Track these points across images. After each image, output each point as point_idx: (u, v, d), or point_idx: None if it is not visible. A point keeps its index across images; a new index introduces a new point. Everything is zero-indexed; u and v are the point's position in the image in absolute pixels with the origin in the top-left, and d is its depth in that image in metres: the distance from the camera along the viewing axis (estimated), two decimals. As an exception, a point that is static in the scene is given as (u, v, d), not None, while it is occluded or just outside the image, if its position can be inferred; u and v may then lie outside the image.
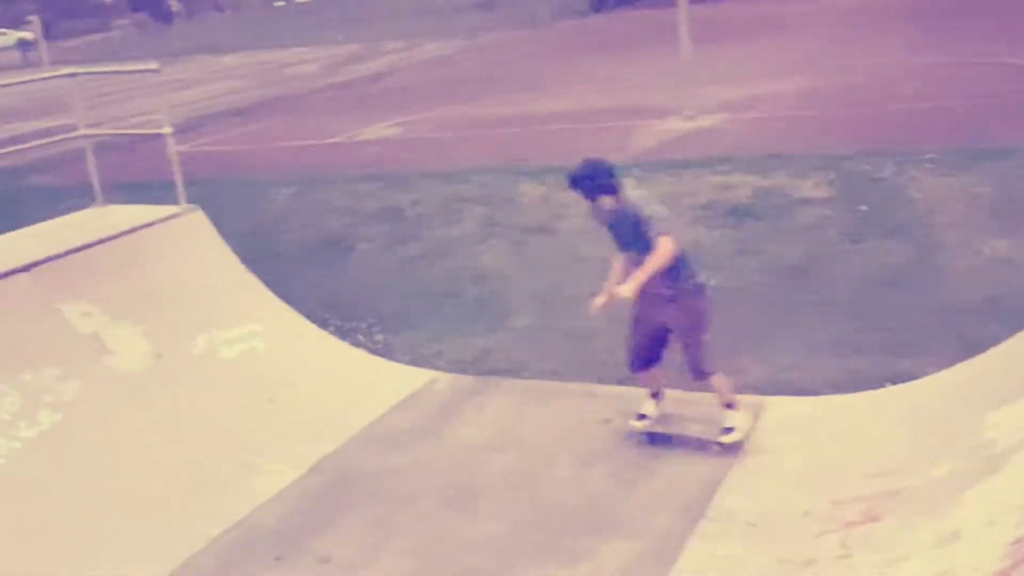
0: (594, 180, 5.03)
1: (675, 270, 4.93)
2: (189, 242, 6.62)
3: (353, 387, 6.20)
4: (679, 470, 5.04)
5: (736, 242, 8.42)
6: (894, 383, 5.58)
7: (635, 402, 5.84)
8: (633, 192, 5.14)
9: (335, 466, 5.43)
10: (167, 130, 6.72)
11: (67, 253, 6.06)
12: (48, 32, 43.07)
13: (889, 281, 7.18)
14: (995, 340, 5.25)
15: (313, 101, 21.28)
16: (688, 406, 5.50)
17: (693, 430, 5.29)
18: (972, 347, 5.43)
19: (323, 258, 9.17)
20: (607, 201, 5.02)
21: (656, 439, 5.32)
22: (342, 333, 7.10)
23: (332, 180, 12.14)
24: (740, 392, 5.76)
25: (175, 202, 6.78)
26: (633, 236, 4.97)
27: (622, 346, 6.63)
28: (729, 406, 5.19)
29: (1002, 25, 19.11)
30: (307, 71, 27.66)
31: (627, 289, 4.81)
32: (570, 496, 4.93)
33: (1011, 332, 5.16)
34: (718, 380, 5.19)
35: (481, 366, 6.58)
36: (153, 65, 7.25)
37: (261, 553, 4.71)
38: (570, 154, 12.20)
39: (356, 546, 4.70)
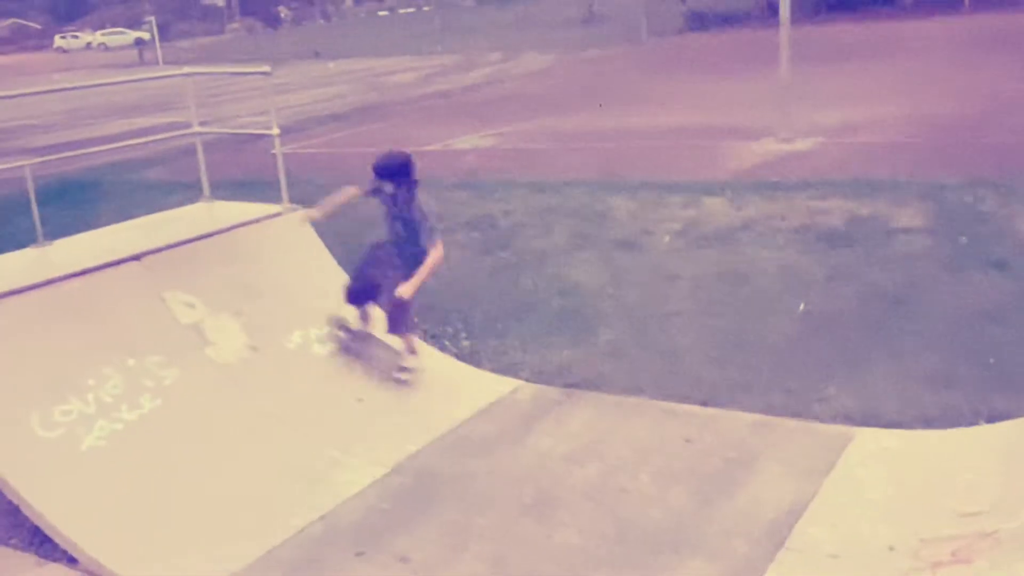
0: (407, 172, 6.11)
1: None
2: (289, 240, 6.84)
3: (438, 391, 6.31)
4: (761, 495, 4.98)
5: (829, 268, 8.28)
6: (989, 421, 5.41)
7: (718, 423, 5.81)
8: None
9: (418, 467, 5.53)
10: (275, 131, 6.97)
11: (174, 245, 6.33)
12: (163, 33, 44.86)
13: (987, 316, 6.96)
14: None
15: (411, 109, 21.69)
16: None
17: (378, 357, 6.33)
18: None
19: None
20: (401, 192, 6.06)
21: (347, 351, 6.32)
22: (430, 337, 7.22)
23: (427, 186, 12.26)
24: (826, 420, 5.71)
25: (278, 200, 7.02)
26: (409, 232, 6.03)
27: (707, 366, 6.64)
28: (411, 351, 6.28)
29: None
30: (407, 79, 28.19)
31: (407, 291, 5.91)
32: (649, 512, 4.91)
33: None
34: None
35: (565, 378, 6.62)
36: (265, 68, 7.52)
37: (343, 547, 4.82)
38: (664, 171, 12.32)
39: (434, 547, 4.78)
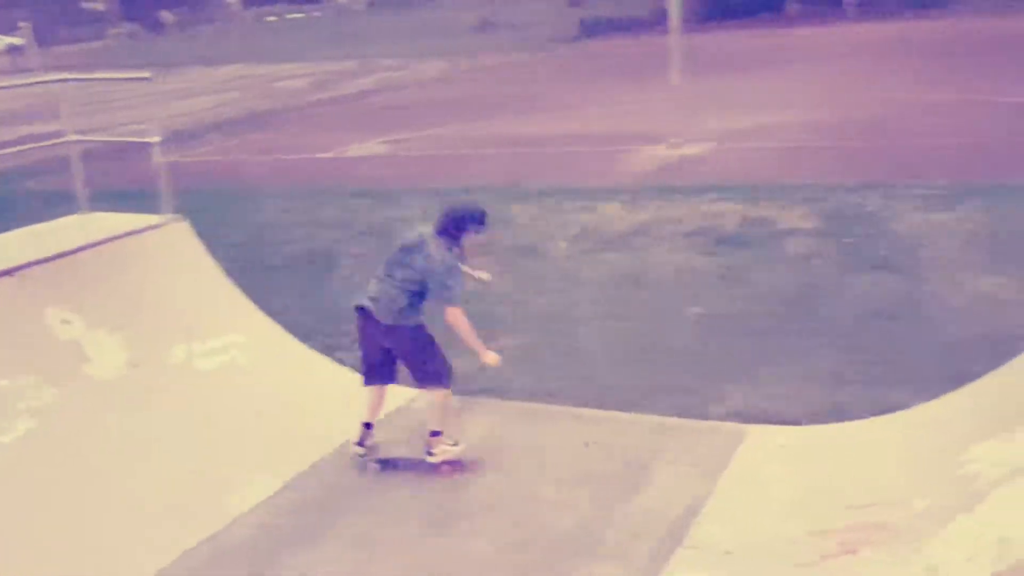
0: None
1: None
2: (172, 252, 6.55)
3: (334, 403, 6.13)
4: (660, 495, 5.00)
5: (723, 270, 8.43)
6: (878, 415, 5.56)
7: (619, 426, 5.81)
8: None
9: (314, 482, 5.37)
10: (154, 139, 6.68)
11: (49, 259, 5.98)
12: (40, 39, 43.00)
13: (874, 313, 7.19)
14: (979, 373, 5.24)
15: (304, 116, 21.30)
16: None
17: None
18: (957, 380, 5.42)
19: (310, 272, 9.13)
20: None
21: (387, 464, 5.52)
22: (326, 348, 7.03)
23: (322, 194, 12.13)
24: (723, 419, 5.77)
25: (160, 211, 6.73)
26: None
27: (608, 369, 6.65)
28: (434, 435, 5.45)
29: (1003, 62, 19.32)
30: (299, 86, 27.69)
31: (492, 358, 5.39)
32: (553, 518, 4.88)
33: (995, 365, 5.15)
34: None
35: (466, 386, 6.52)
36: (145, 74, 7.22)
37: (234, 568, 4.63)
38: (562, 177, 12.38)
39: (336, 564, 4.63)
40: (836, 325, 7.05)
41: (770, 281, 8.06)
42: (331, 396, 6.20)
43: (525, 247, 9.48)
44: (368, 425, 5.54)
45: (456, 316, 5.24)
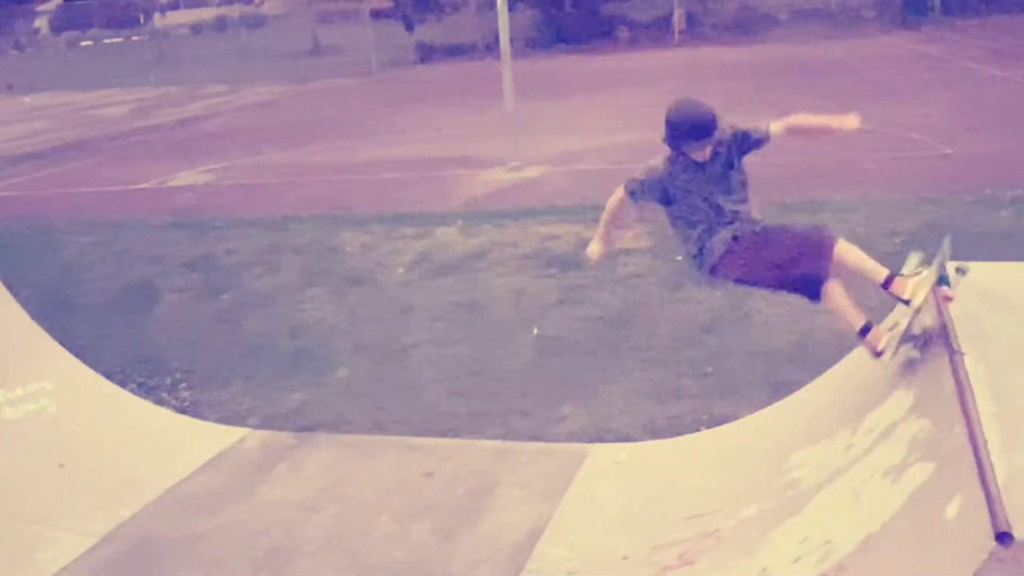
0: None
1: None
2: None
3: (153, 448, 5.76)
4: (503, 520, 4.93)
5: (560, 291, 8.50)
6: (710, 427, 5.70)
7: (459, 453, 5.71)
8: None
9: (132, 533, 4.99)
10: (-55, 170, 6.13)
11: None
12: None
13: (704, 328, 7.39)
14: (801, 382, 5.46)
15: (122, 145, 20.26)
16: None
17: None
18: (781, 389, 5.63)
19: (126, 311, 8.58)
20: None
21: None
22: (144, 391, 6.62)
23: (139, 228, 11.50)
24: (564, 440, 5.77)
25: (-47, 249, 6.18)
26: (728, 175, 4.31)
27: (446, 396, 6.54)
28: (864, 331, 4.29)
29: (805, 85, 20.58)
30: (115, 113, 26.37)
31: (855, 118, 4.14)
32: (392, 553, 4.71)
33: (816, 375, 5.37)
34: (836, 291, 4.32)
35: (299, 422, 6.27)
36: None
37: (43, 636, 4.22)
38: (395, 203, 12.22)
39: (154, 623, 4.30)
40: (669, 341, 7.21)
41: (606, 301, 8.18)
42: (149, 441, 5.83)
43: (356, 275, 9.27)
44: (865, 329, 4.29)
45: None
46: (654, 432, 5.78)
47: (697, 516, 4.71)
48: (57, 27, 61.54)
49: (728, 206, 4.35)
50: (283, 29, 48.68)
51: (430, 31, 39.33)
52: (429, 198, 12.67)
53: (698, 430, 5.71)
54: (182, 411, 6.37)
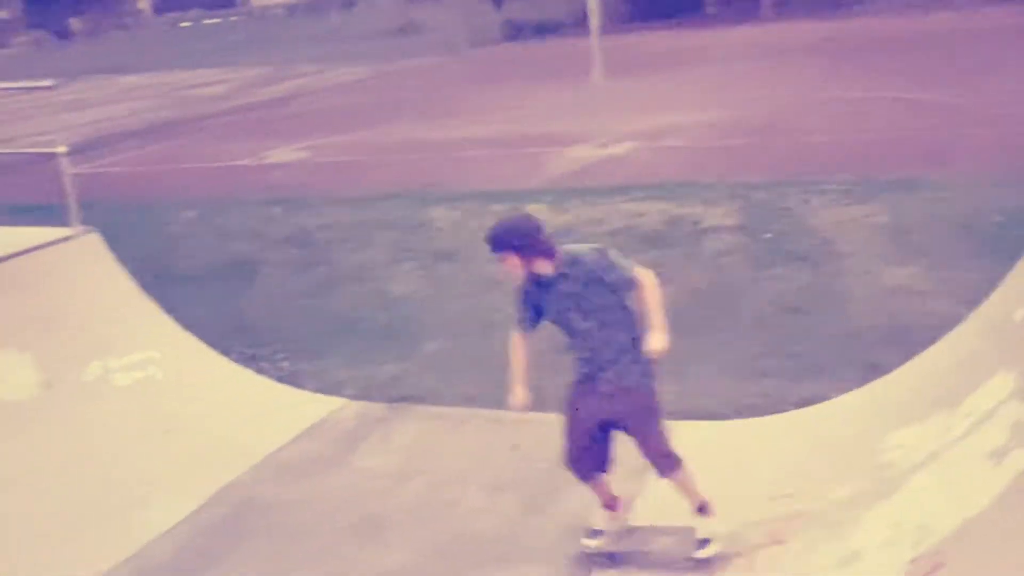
0: (526, 239, 4.10)
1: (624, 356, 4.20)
2: (83, 265, 6.34)
3: (255, 415, 6.01)
4: (587, 494, 4.98)
5: (648, 268, 8.47)
6: (799, 407, 5.66)
7: (544, 428, 5.79)
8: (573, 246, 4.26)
9: (234, 497, 5.24)
10: (61, 149, 6.46)
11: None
12: (-59, 48, 41.41)
13: (793, 308, 7.31)
14: (894, 364, 5.37)
15: (218, 123, 20.86)
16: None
17: (662, 545, 4.52)
18: (873, 371, 5.55)
19: (227, 283, 8.91)
20: (544, 265, 4.16)
21: (618, 559, 4.44)
22: (246, 360, 6.88)
23: (237, 203, 11.87)
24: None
25: (69, 224, 6.50)
26: (600, 300, 4.15)
27: (531, 371, 6.61)
28: (701, 510, 4.37)
29: (898, 61, 19.95)
30: (213, 93, 27.13)
31: (658, 341, 4.08)
32: (479, 524, 4.84)
33: (909, 356, 5.28)
34: (683, 476, 4.37)
35: (390, 393, 6.45)
36: (47, 82, 6.99)
37: (154, 589, 4.49)
38: (484, 180, 12.32)
39: (255, 580, 4.52)
40: (757, 320, 7.16)
41: (693, 279, 8.14)
42: (250, 408, 6.08)
43: (445, 252, 9.42)
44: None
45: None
46: (740, 411, 5.76)
47: (785, 496, 4.70)
48: (159, 8, 63.41)
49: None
50: (374, 9, 49.13)
51: (518, 9, 39.22)
52: (517, 175, 12.74)
53: (785, 410, 5.68)
54: (282, 380, 6.61)
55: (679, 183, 11.24)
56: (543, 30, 36.08)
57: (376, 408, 6.23)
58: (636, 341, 4.21)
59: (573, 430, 4.39)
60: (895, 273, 7.77)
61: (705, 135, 14.49)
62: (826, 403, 5.56)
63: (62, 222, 6.61)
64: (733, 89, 18.31)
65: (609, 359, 4.22)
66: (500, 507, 4.97)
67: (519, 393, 4.42)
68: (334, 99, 23.56)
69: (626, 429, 4.34)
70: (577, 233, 9.65)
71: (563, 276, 4.17)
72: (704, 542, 4.30)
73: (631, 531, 4.57)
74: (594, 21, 16.82)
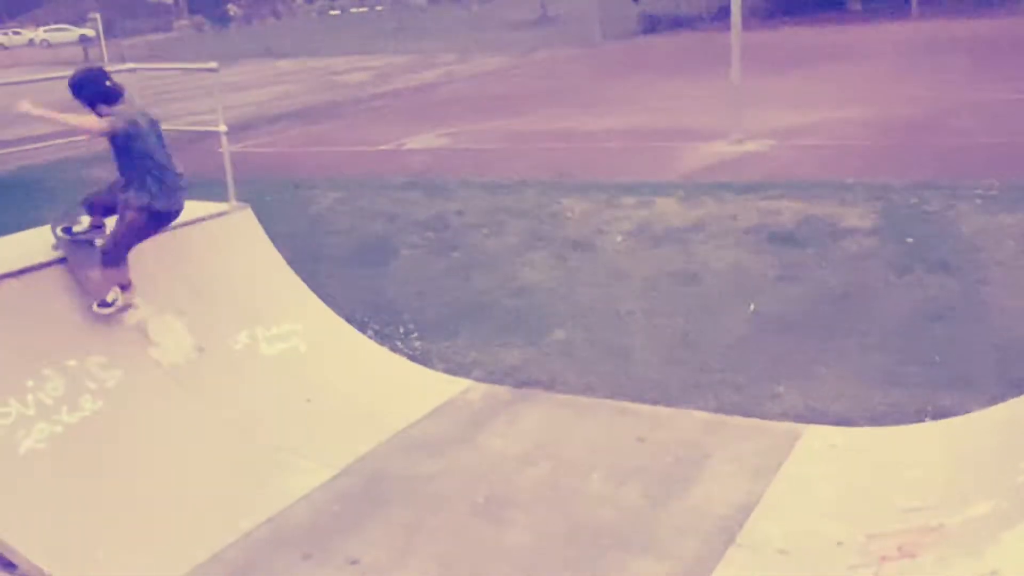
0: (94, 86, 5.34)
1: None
2: (236, 239, 6.72)
3: (388, 391, 6.24)
4: (712, 492, 5.00)
5: (779, 268, 8.35)
6: (935, 418, 5.49)
7: (670, 421, 5.82)
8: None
9: (367, 468, 5.46)
10: (222, 128, 6.85)
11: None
12: (109, 30, 44.07)
13: (934, 315, 7.07)
14: (1041, 380, 5.16)
15: (364, 108, 21.52)
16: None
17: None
18: (1016, 386, 5.33)
19: (366, 263, 9.25)
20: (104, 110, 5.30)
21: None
22: (381, 337, 7.15)
23: (379, 186, 12.26)
24: (775, 418, 5.73)
25: (226, 199, 6.90)
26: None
27: (659, 365, 6.65)
28: (102, 305, 5.66)
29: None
30: (359, 79, 27.98)
31: (28, 106, 5.18)
32: (601, 512, 4.90)
33: (1058, 372, 5.06)
34: (105, 274, 5.63)
35: (517, 377, 6.59)
36: (212, 64, 7.38)
37: (290, 550, 4.74)
38: (616, 172, 12.34)
39: (384, 549, 4.72)
40: (893, 326, 6.96)
41: (827, 280, 7.97)
42: (385, 385, 6.31)
43: (577, 241, 9.49)
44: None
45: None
46: (872, 419, 5.63)
47: (918, 509, 4.58)
48: (310, -3, 65.62)
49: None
50: (513, 1, 49.56)
51: (657, 2, 38.85)
52: (650, 168, 12.68)
53: (920, 420, 5.52)
54: (414, 359, 6.84)
55: (816, 182, 10.97)
56: (680, 23, 35.64)
57: (502, 391, 6.37)
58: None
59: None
60: (1047, 285, 7.41)
61: (845, 134, 14.05)
62: (967, 416, 5.37)
63: (215, 196, 7.02)
64: (875, 87, 17.67)
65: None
66: (623, 497, 5.02)
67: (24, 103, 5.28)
68: (473, 88, 23.94)
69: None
70: (708, 229, 9.58)
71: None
72: (105, 304, 5.66)
73: (90, 249, 5.76)
74: (735, 15, 16.50)
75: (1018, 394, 5.25)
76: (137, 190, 5.49)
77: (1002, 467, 4.56)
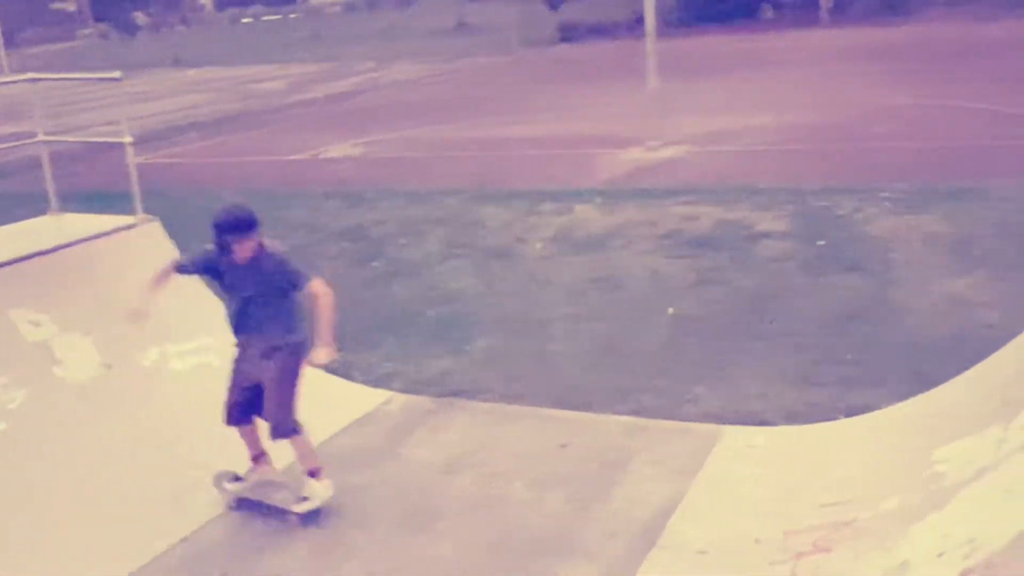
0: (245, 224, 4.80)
1: (289, 322, 4.93)
2: (144, 253, 6.47)
3: (306, 405, 6.06)
4: (635, 496, 5.02)
5: (697, 272, 8.48)
6: (849, 415, 5.62)
7: (593, 427, 5.83)
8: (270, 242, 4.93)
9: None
10: (127, 139, 6.63)
11: (18, 260, 5.91)
12: (8, 39, 42.54)
13: (847, 316, 7.25)
14: (949, 376, 5.31)
15: (278, 118, 21.21)
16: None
17: (277, 498, 5.07)
18: (926, 382, 5.49)
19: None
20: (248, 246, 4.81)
21: (243, 505, 5.11)
22: (299, 350, 6.99)
23: (294, 197, 12.08)
24: (696, 420, 5.80)
25: (132, 212, 6.67)
26: (267, 287, 4.85)
27: (581, 371, 6.67)
28: (312, 474, 5.04)
29: (956, 68, 19.62)
30: (273, 88, 27.57)
31: (327, 354, 4.79)
32: (527, 519, 4.88)
33: (964, 368, 5.21)
34: (300, 442, 5.04)
35: (440, 388, 6.53)
36: (115, 74, 7.14)
37: (206, 570, 4.60)
38: (536, 179, 12.40)
39: (305, 566, 4.61)
40: (809, 326, 7.12)
41: (743, 283, 8.11)
42: (303, 398, 6.15)
43: (497, 249, 9.49)
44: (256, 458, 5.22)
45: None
46: (789, 417, 5.74)
47: (833, 504, 4.66)
48: (220, 4, 64.52)
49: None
50: (430, 8, 49.56)
51: (574, 10, 39.28)
52: (570, 175, 12.78)
53: (836, 418, 5.64)
54: (333, 371, 6.71)
55: (732, 187, 11.20)
56: (598, 31, 36.07)
57: (424, 402, 6.30)
58: (288, 319, 4.96)
59: (232, 385, 5.08)
60: (952, 283, 7.67)
61: (759, 140, 14.39)
62: (878, 413, 5.50)
63: (122, 210, 6.80)
64: (788, 94, 18.16)
65: (264, 329, 4.94)
66: (549, 504, 5.01)
67: (137, 307, 5.12)
68: (390, 96, 23.81)
69: (264, 390, 4.98)
70: (627, 235, 9.68)
71: (255, 260, 4.89)
72: (303, 499, 4.98)
73: (266, 483, 5.18)
74: (649, 24, 16.78)
75: (927, 389, 5.40)
76: (298, 326, 4.95)
77: (913, 461, 4.68)
